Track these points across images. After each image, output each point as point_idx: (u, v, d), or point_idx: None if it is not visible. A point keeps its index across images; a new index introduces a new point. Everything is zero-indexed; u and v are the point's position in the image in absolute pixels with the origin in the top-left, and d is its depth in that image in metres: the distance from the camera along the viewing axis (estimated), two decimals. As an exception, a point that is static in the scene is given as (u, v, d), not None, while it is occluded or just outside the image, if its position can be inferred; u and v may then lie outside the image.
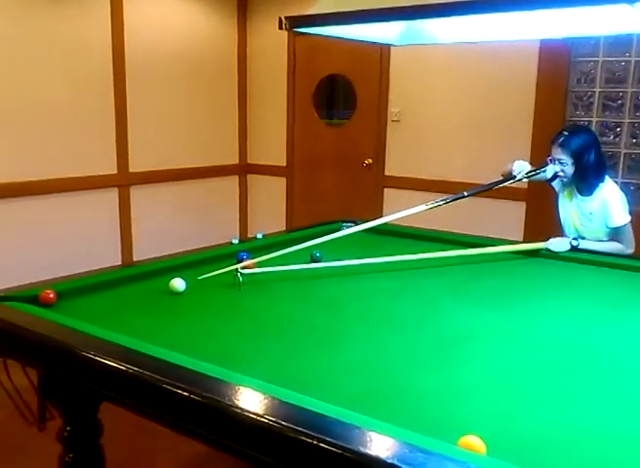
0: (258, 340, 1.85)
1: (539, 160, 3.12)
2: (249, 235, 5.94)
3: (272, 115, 5.76)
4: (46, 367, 1.76)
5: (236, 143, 5.91)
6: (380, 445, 1.13)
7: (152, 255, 4.47)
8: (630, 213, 2.87)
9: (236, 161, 5.93)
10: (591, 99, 4.29)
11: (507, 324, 2.00)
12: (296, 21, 2.37)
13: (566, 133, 2.87)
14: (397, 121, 5.07)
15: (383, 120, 5.13)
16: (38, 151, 4.44)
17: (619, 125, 4.22)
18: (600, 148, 2.91)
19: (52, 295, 2.06)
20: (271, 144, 5.82)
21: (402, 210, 2.80)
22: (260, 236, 3.05)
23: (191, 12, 5.33)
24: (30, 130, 4.38)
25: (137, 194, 5.12)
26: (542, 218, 3.98)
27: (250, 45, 5.79)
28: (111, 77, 4.79)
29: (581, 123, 4.28)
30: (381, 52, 4.99)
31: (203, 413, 1.34)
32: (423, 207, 2.80)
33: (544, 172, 2.92)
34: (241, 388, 1.35)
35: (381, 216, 2.99)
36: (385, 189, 5.21)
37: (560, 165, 2.85)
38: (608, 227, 2.87)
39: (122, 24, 4.79)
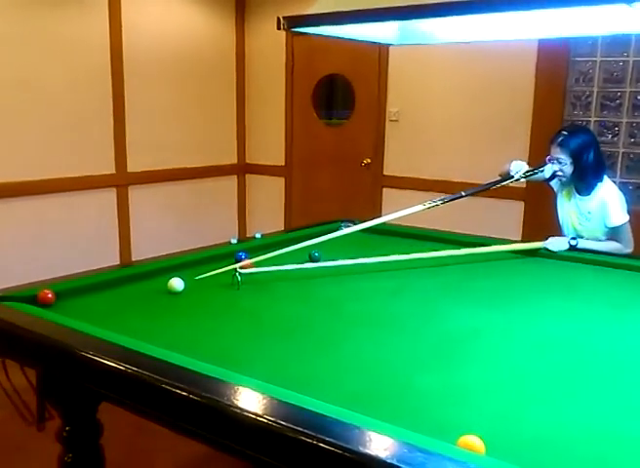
0: (256, 340, 1.85)
1: (537, 159, 3.13)
2: (247, 235, 5.94)
3: (271, 115, 5.76)
4: (45, 367, 1.76)
5: (235, 143, 5.91)
6: (379, 444, 1.13)
7: (151, 255, 4.47)
8: (629, 212, 2.87)
9: (235, 161, 5.93)
10: (589, 99, 4.30)
11: (506, 323, 2.00)
12: (294, 21, 2.37)
13: (565, 132, 2.87)
14: (396, 121, 5.07)
15: (382, 120, 5.13)
16: (36, 151, 4.44)
17: (617, 124, 4.23)
18: (599, 148, 2.92)
19: (50, 295, 2.06)
20: (270, 144, 5.82)
21: (401, 209, 2.80)
22: (258, 236, 3.05)
23: (189, 12, 5.33)
24: (28, 130, 4.38)
25: (135, 194, 5.11)
26: (541, 218, 3.98)
27: (248, 45, 5.79)
28: (109, 77, 4.79)
29: (580, 123, 4.29)
30: (380, 52, 4.99)
31: (202, 413, 1.34)
32: (422, 206, 2.81)
33: (542, 171, 2.93)
34: (240, 388, 1.35)
35: (380, 216, 2.99)
36: (384, 189, 5.21)
37: (559, 164, 2.86)
38: (606, 227, 2.88)
39: (120, 25, 4.78)
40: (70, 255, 4.64)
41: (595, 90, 4.27)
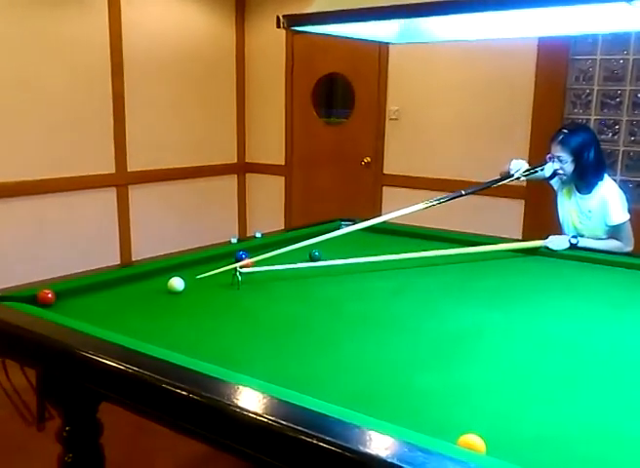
0: (257, 340, 1.84)
1: (537, 157, 3.13)
2: (247, 234, 5.93)
3: (271, 114, 5.75)
4: (45, 366, 1.76)
5: (235, 142, 5.91)
6: (379, 444, 1.13)
7: (151, 255, 4.45)
8: (629, 210, 2.87)
9: (235, 160, 5.93)
10: (590, 97, 4.29)
11: (507, 322, 2.00)
12: (293, 20, 2.36)
13: (566, 130, 2.87)
14: (396, 119, 5.07)
15: (382, 118, 5.12)
16: (36, 151, 4.43)
17: (617, 123, 4.22)
18: (599, 146, 2.92)
19: (50, 295, 2.05)
20: (270, 143, 5.81)
21: (401, 208, 2.80)
22: (258, 235, 3.05)
23: (189, 11, 5.32)
24: (28, 129, 4.37)
25: (135, 193, 5.11)
26: (541, 217, 3.98)
27: (248, 44, 5.79)
28: (109, 77, 4.78)
29: (580, 121, 4.29)
30: (380, 50, 4.98)
31: (202, 413, 1.34)
32: (422, 205, 2.80)
33: (542, 170, 2.92)
34: (240, 387, 1.35)
35: (380, 215, 2.99)
36: (384, 188, 5.20)
37: (560, 163, 2.85)
38: (607, 225, 2.87)
39: (120, 25, 4.78)
40: (70, 255, 4.64)
41: (595, 88, 4.26)
